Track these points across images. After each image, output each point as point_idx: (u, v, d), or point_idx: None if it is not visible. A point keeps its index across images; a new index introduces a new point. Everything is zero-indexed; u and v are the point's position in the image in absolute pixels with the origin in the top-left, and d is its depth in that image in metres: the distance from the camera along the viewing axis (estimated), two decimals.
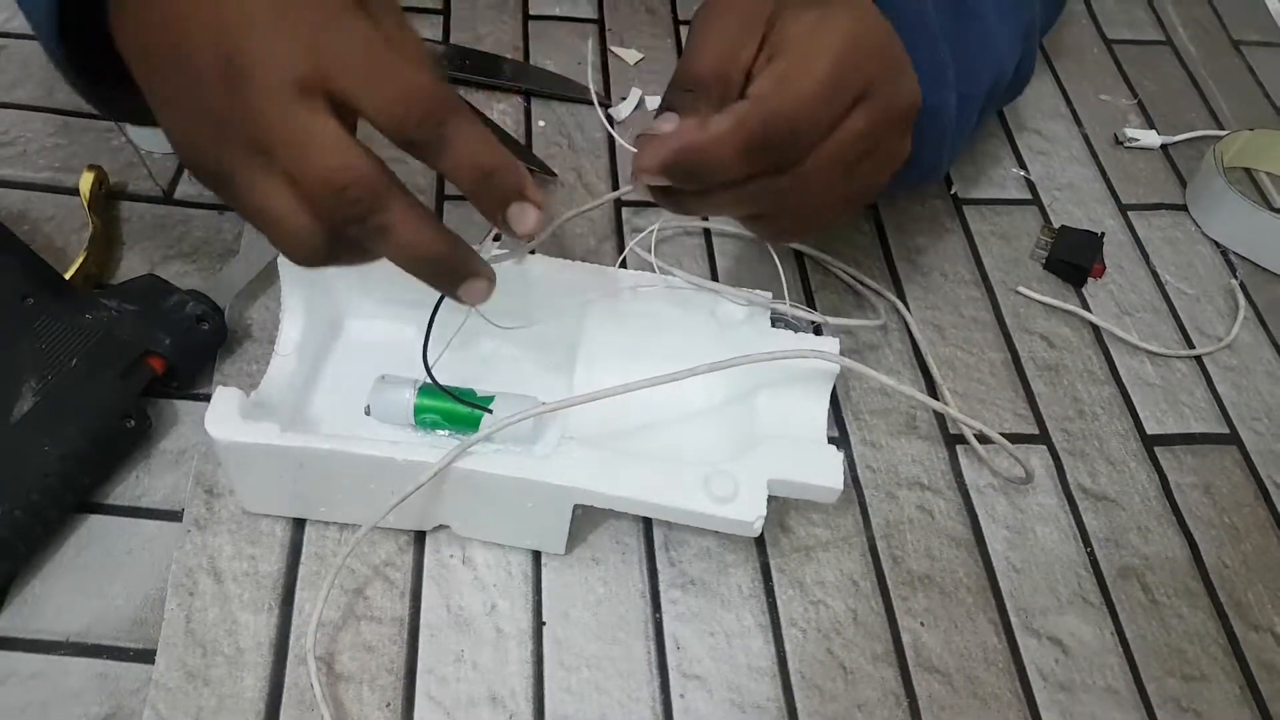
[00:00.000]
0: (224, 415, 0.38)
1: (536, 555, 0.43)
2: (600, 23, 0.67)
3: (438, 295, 0.36)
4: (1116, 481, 0.49)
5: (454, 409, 0.43)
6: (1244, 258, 0.60)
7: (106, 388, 0.42)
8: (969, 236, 0.58)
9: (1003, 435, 0.45)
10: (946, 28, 0.44)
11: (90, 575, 0.40)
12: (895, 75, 0.37)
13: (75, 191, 0.50)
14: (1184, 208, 0.62)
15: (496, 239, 0.37)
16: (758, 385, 0.44)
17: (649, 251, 0.50)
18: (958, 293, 0.55)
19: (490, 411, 0.42)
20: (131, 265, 0.50)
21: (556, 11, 0.67)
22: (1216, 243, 0.60)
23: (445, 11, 0.66)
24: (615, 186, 0.57)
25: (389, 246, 0.32)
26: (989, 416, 0.50)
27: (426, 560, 0.42)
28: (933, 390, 0.51)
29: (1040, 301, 0.56)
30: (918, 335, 0.53)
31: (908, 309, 0.54)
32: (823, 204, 0.38)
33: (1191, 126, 0.66)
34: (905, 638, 0.43)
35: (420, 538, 0.43)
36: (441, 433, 0.43)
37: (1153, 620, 0.45)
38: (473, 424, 0.42)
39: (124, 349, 0.43)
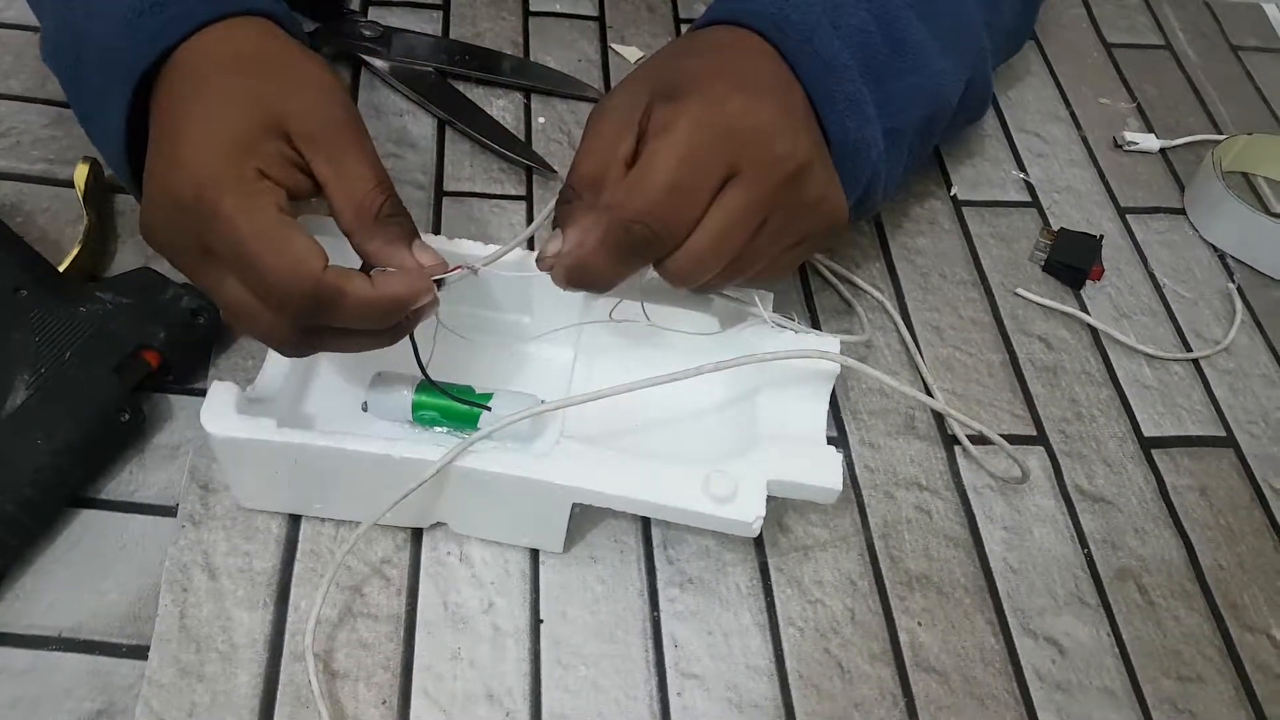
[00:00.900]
0: (220, 410, 0.38)
1: (534, 553, 0.43)
2: (601, 19, 0.67)
3: None
4: (1113, 483, 0.49)
5: (452, 406, 0.42)
6: (1241, 262, 0.60)
7: (100, 382, 0.41)
8: (968, 238, 0.58)
9: (1001, 436, 0.45)
10: (876, 63, 0.44)
11: (83, 570, 0.40)
12: (766, 142, 0.37)
13: (70, 184, 0.49)
14: (1182, 211, 0.62)
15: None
16: (757, 385, 0.44)
17: None
18: (956, 294, 0.55)
19: (489, 409, 0.42)
20: (126, 258, 0.49)
21: (557, 8, 0.67)
22: (1214, 246, 0.60)
23: (445, 7, 0.65)
24: None
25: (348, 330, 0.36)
26: (987, 418, 0.50)
27: (424, 557, 0.42)
28: (930, 391, 0.51)
29: (1039, 303, 0.56)
30: (918, 336, 0.53)
31: (906, 310, 0.54)
32: (744, 269, 0.40)
33: (1190, 131, 0.66)
34: (903, 637, 0.43)
35: (418, 535, 0.43)
36: (439, 430, 0.43)
37: (1149, 621, 0.45)
38: (471, 421, 0.42)
39: (118, 343, 0.42)
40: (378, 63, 0.60)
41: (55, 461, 0.40)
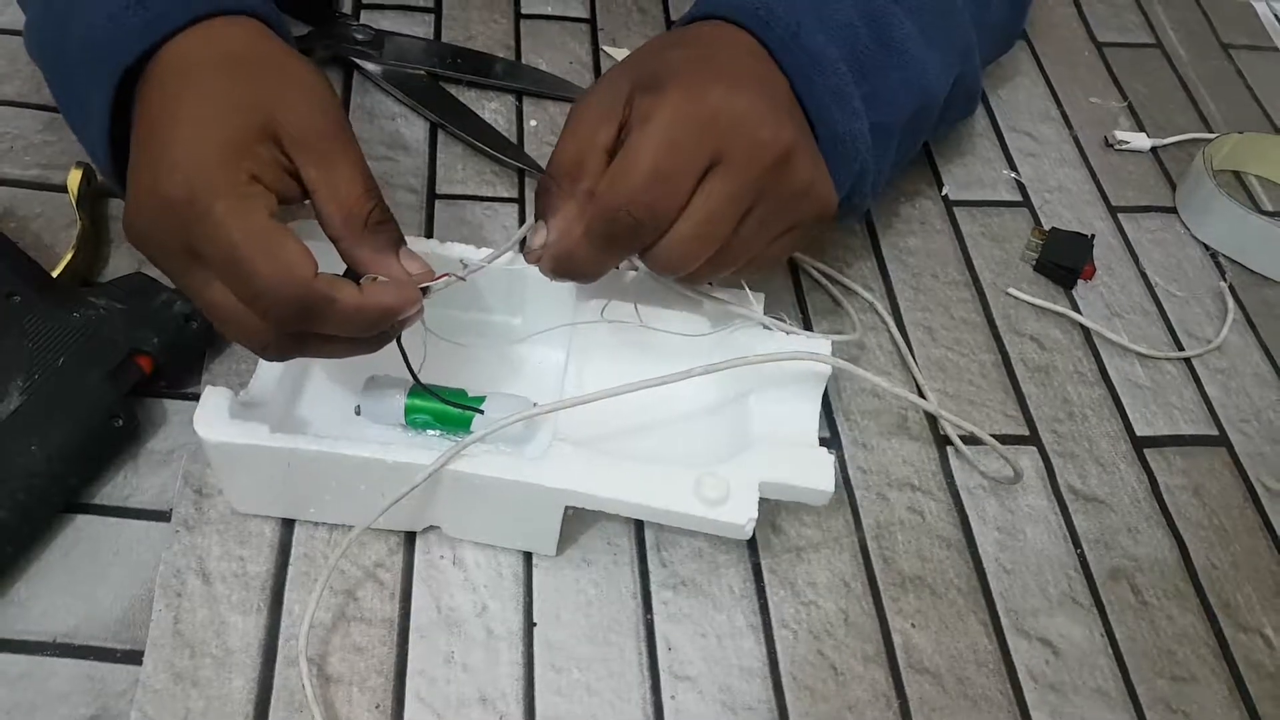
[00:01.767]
0: (213, 415, 0.38)
1: (527, 556, 0.43)
2: (592, 22, 0.67)
3: None
4: (1106, 483, 0.49)
5: (445, 410, 0.42)
6: (1233, 260, 0.60)
7: (94, 387, 0.42)
8: (960, 238, 0.59)
9: (993, 436, 0.45)
10: (862, 57, 0.44)
11: (77, 576, 0.40)
12: (749, 129, 0.37)
13: (63, 189, 0.49)
14: (1173, 210, 0.62)
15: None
16: (749, 387, 0.44)
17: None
18: (948, 294, 0.56)
19: (481, 412, 0.42)
20: (119, 264, 0.49)
21: (548, 11, 0.67)
22: (1206, 245, 0.61)
23: (437, 10, 0.65)
24: None
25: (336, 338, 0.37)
26: (979, 418, 0.50)
27: (417, 561, 0.42)
28: (922, 392, 0.51)
29: (1030, 303, 0.56)
30: (909, 337, 0.53)
31: (898, 310, 0.54)
32: (732, 258, 0.40)
33: (1181, 129, 0.67)
34: (896, 639, 0.43)
35: (410, 539, 0.43)
36: (432, 433, 0.43)
37: (1142, 621, 0.45)
38: (464, 424, 0.42)
39: (112, 348, 0.43)
40: (370, 66, 0.60)
41: (49, 467, 0.40)
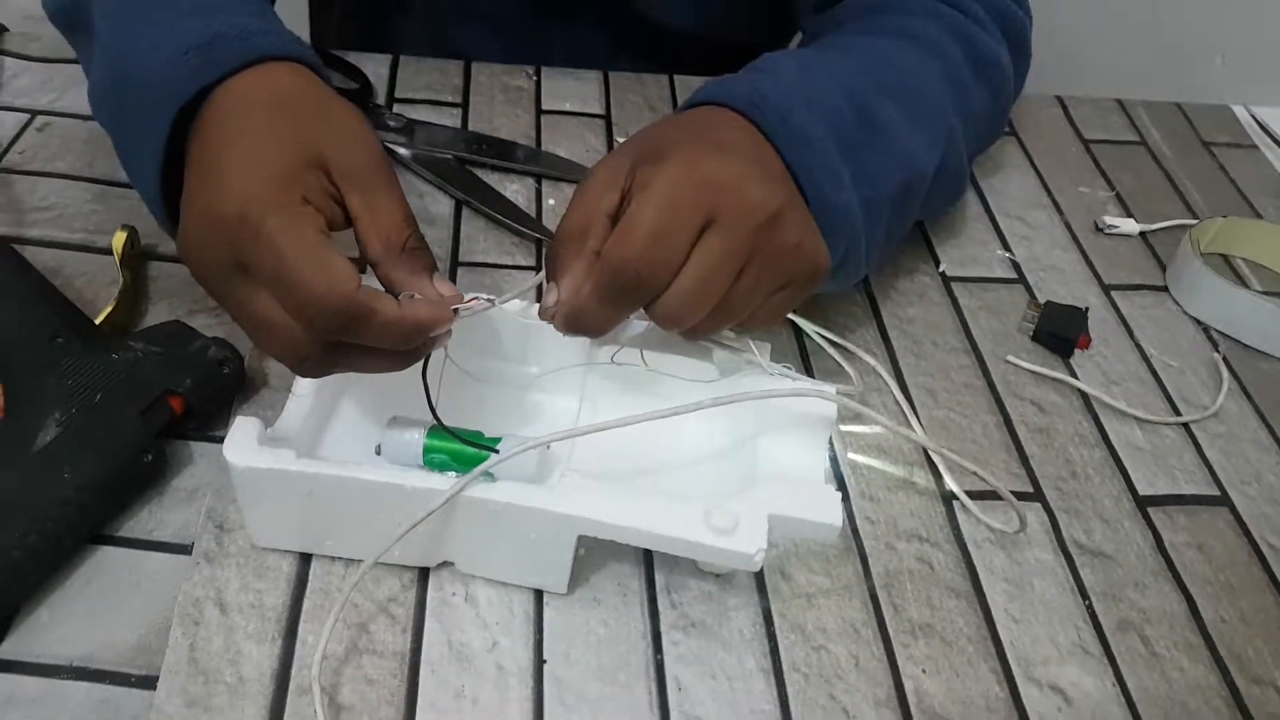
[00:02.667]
0: (242, 441, 0.40)
1: (539, 595, 0.44)
2: (607, 117, 0.72)
3: None
4: (1111, 539, 0.50)
5: (462, 450, 0.44)
6: (1225, 335, 0.62)
7: (127, 423, 0.43)
8: (958, 310, 0.61)
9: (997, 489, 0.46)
10: (850, 138, 0.48)
11: (97, 604, 0.41)
12: (741, 191, 0.40)
13: (108, 251, 0.52)
14: (1164, 289, 0.65)
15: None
16: (757, 430, 0.45)
17: None
18: (948, 360, 0.57)
19: (497, 452, 0.43)
20: (157, 318, 0.52)
21: (567, 107, 0.72)
22: (1197, 320, 0.63)
23: (464, 105, 0.70)
24: None
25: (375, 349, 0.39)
26: (983, 475, 0.51)
27: (429, 597, 0.43)
28: (927, 451, 0.52)
29: (1029, 370, 0.57)
30: (913, 398, 0.55)
31: (900, 373, 0.56)
32: (731, 313, 0.42)
33: (1168, 216, 0.70)
34: (907, 684, 0.43)
35: (424, 575, 0.44)
36: (450, 474, 0.44)
37: (1154, 672, 0.45)
38: (479, 465, 0.43)
39: (146, 387, 0.44)
40: (401, 150, 0.64)
41: (80, 496, 0.41)
